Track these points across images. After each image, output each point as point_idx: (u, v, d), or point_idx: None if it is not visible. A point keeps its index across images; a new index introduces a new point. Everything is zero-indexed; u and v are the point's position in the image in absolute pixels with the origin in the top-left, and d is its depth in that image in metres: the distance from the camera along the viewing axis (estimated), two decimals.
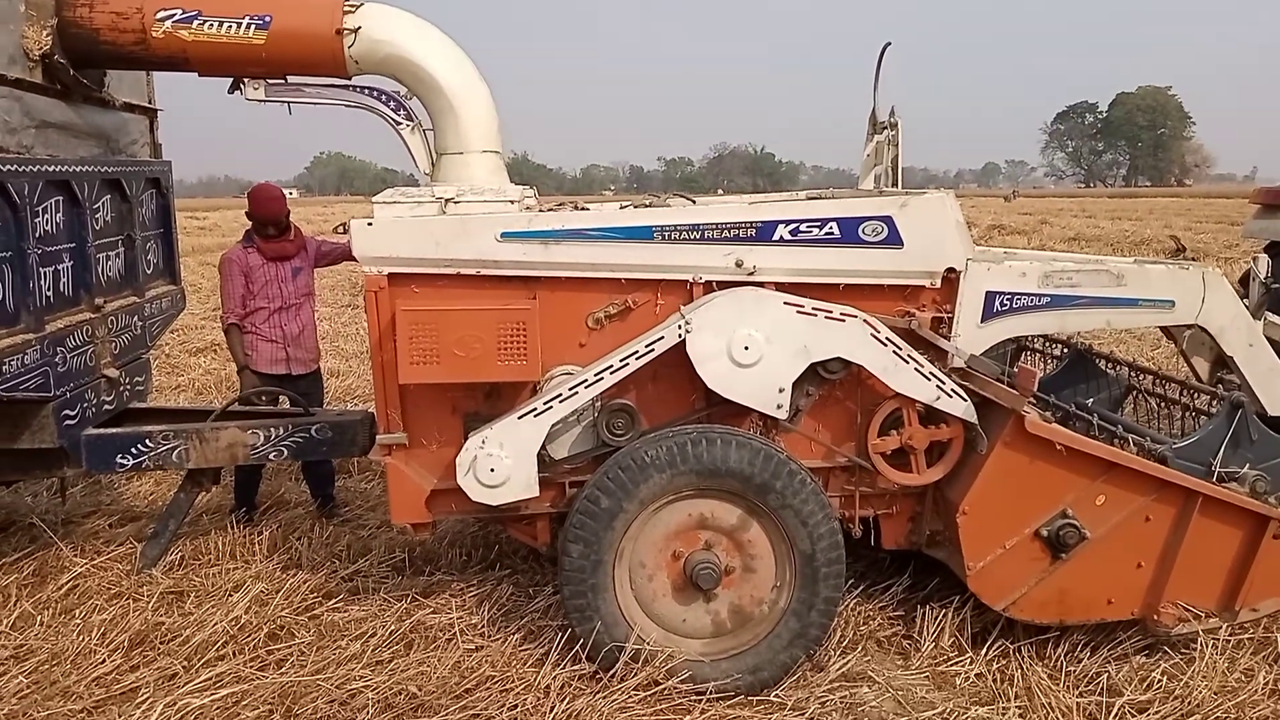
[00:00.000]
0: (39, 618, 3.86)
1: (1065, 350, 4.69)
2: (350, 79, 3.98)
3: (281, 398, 4.87)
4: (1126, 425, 3.73)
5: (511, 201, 3.65)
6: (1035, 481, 3.38)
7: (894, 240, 3.47)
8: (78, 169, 4.06)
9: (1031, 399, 3.37)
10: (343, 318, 11.44)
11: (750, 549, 3.40)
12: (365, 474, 5.77)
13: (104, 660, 3.55)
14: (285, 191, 5.32)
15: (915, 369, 3.40)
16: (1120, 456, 3.38)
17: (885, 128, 4.44)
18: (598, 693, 3.25)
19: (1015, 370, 3.44)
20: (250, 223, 4.90)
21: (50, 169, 3.86)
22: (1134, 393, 4.29)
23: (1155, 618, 3.49)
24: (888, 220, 3.46)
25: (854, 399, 3.60)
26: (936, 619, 3.75)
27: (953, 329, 3.53)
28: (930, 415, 3.51)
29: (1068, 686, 3.42)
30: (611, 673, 3.31)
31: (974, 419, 3.44)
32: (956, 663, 3.58)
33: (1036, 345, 4.89)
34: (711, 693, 3.30)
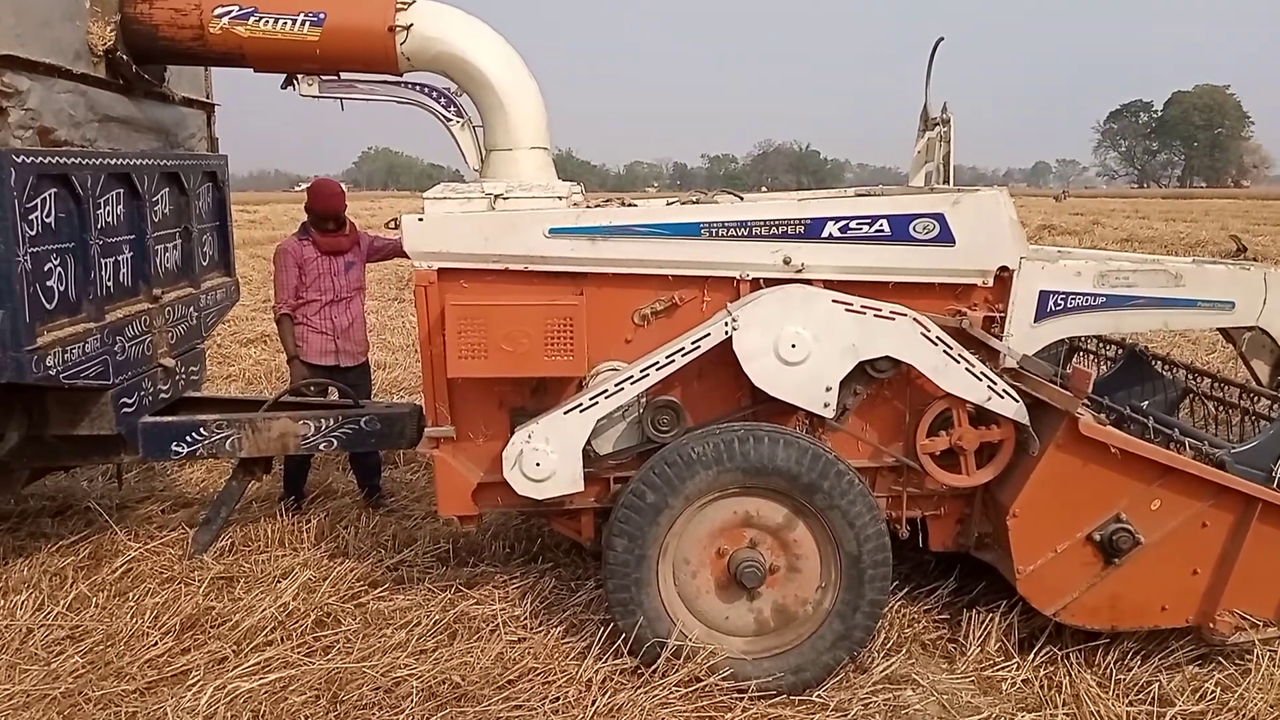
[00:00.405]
0: (94, 600, 3.96)
1: (1120, 351, 4.59)
2: (402, 75, 4.03)
3: (330, 389, 4.94)
4: (1183, 429, 3.64)
5: (559, 198, 3.66)
6: (1088, 485, 3.32)
7: (946, 238, 3.43)
8: (138, 162, 4.15)
9: (1086, 401, 3.31)
10: (389, 311, 11.58)
11: (795, 548, 3.38)
12: (410, 465, 5.84)
13: (156, 642, 3.64)
14: None
15: (966, 369, 3.35)
16: (1177, 461, 3.30)
17: (937, 124, 4.39)
18: (639, 687, 3.26)
19: (1069, 371, 3.38)
20: (308, 216, 4.96)
21: (112, 162, 3.95)
22: (1191, 396, 4.19)
23: (1210, 626, 3.41)
24: (939, 218, 3.42)
25: (903, 398, 3.57)
26: (983, 623, 3.69)
27: (1005, 328, 3.48)
28: (981, 416, 3.46)
29: (1117, 695, 3.35)
30: (653, 668, 3.31)
31: (1026, 420, 3.39)
32: (1003, 668, 3.52)
33: (1090, 346, 4.79)
34: (753, 691, 3.29)
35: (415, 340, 9.54)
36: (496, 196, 3.58)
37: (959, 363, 3.35)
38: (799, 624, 3.40)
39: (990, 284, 3.50)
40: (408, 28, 3.85)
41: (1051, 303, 3.49)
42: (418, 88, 4.06)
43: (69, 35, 3.69)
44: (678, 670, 3.28)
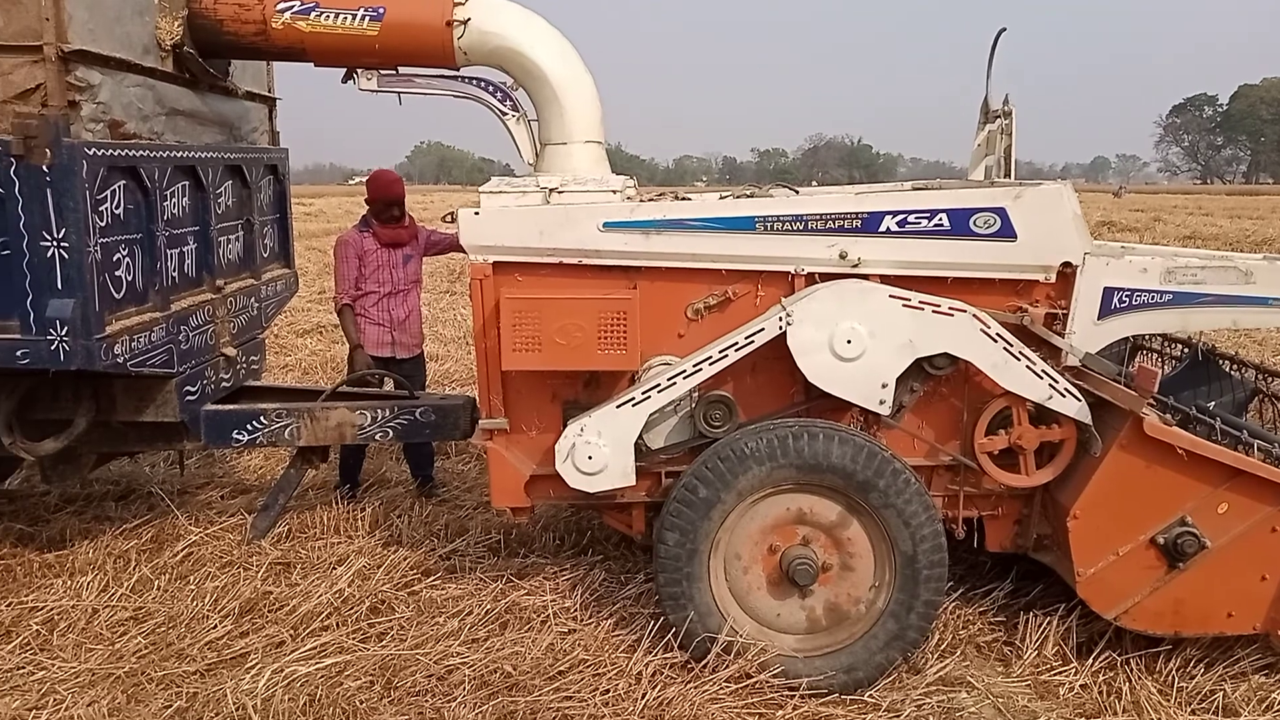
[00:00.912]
0: (156, 582, 4.06)
1: (1185, 350, 4.47)
2: (459, 70, 4.06)
3: (385, 380, 5.00)
4: (1252, 430, 3.53)
5: (614, 191, 3.66)
6: (1153, 487, 3.24)
7: (1007, 233, 3.36)
8: (203, 155, 4.24)
9: (1151, 400, 3.22)
10: (441, 303, 11.70)
11: (849, 547, 3.35)
12: (462, 456, 5.90)
13: (216, 625, 3.72)
14: None
15: (1027, 366, 3.28)
16: (1246, 463, 3.21)
17: (998, 116, 4.30)
18: (689, 682, 3.26)
19: (1133, 370, 3.30)
20: (369, 207, 5.00)
21: (178, 155, 4.04)
22: (1260, 396, 4.06)
23: (1279, 634, 3.30)
24: (1001, 212, 3.36)
25: (960, 396, 3.51)
26: (1040, 626, 3.62)
27: (1067, 326, 3.40)
28: (1041, 415, 3.39)
29: (1179, 703, 3.27)
30: (703, 663, 3.31)
31: (1088, 420, 3.31)
32: (1060, 672, 3.46)
33: (1154, 345, 4.67)
34: (804, 689, 3.27)
35: (466, 333, 9.64)
36: (551, 190, 3.59)
37: (1019, 360, 3.28)
38: (851, 623, 3.38)
39: (1053, 280, 3.43)
40: (465, 22, 3.87)
41: (1116, 300, 3.40)
42: (474, 82, 4.09)
43: (138, 30, 3.77)
44: (728, 666, 3.27)
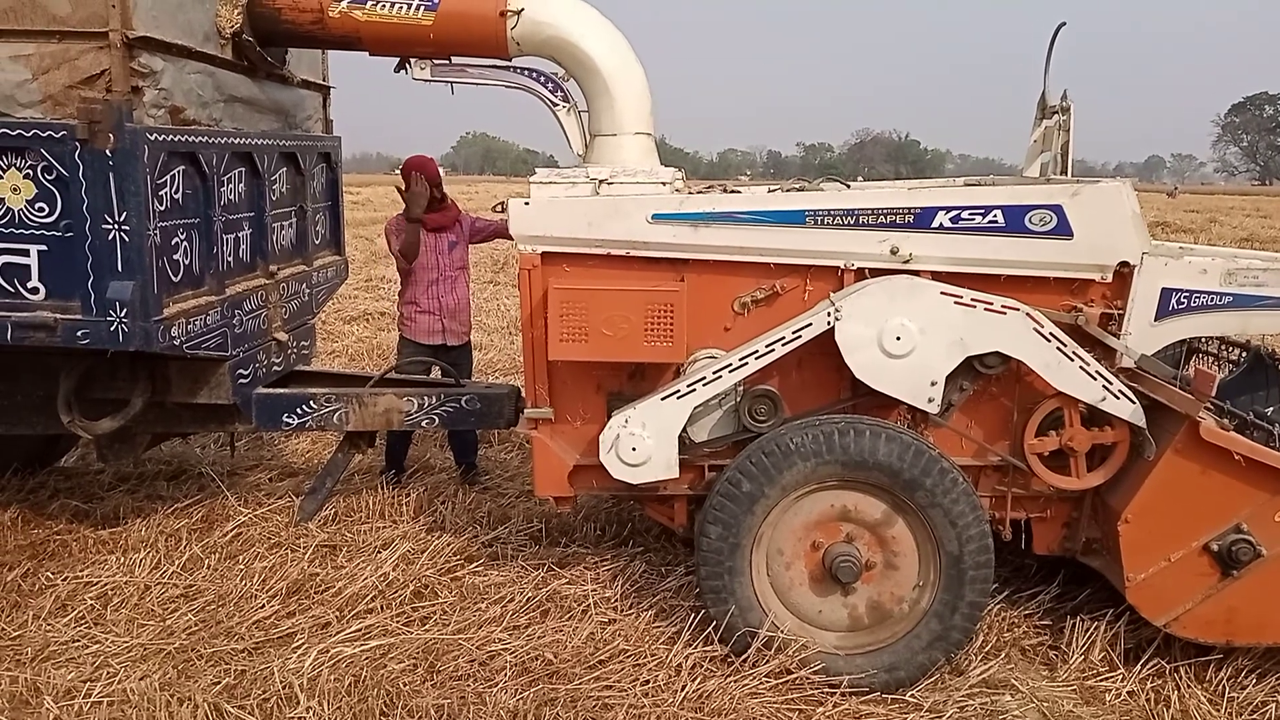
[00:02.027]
0: (206, 561, 4.14)
1: (1243, 354, 4.35)
2: (511, 60, 4.08)
3: (432, 367, 5.06)
4: None
5: (663, 184, 3.66)
6: (1207, 492, 3.17)
7: (1063, 230, 3.31)
8: (260, 142, 4.31)
9: (1208, 404, 3.15)
10: (485, 293, 11.78)
11: (893, 545, 3.32)
12: (505, 445, 5.94)
13: (264, 605, 3.78)
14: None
15: (1080, 367, 3.23)
16: None
17: (1055, 112, 4.23)
18: (729, 676, 3.26)
19: (1190, 373, 3.23)
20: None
21: (236, 141, 4.11)
22: None
23: None
24: (1057, 209, 3.30)
25: (1011, 395, 3.46)
26: (1087, 631, 3.56)
27: (1123, 326, 3.34)
28: (1094, 416, 3.33)
29: (1229, 714, 3.20)
30: (743, 657, 3.30)
31: (1142, 423, 3.25)
32: (1107, 678, 3.40)
33: (1210, 348, 4.56)
34: (845, 687, 3.25)
35: (510, 323, 9.70)
36: (601, 182, 3.60)
37: (1073, 361, 3.23)
38: (894, 622, 3.35)
39: (1109, 280, 3.36)
40: (519, 12, 3.89)
41: (1174, 301, 3.34)
42: (526, 72, 4.10)
43: (199, 17, 3.84)
44: (768, 661, 3.26)
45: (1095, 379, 3.23)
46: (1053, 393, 3.31)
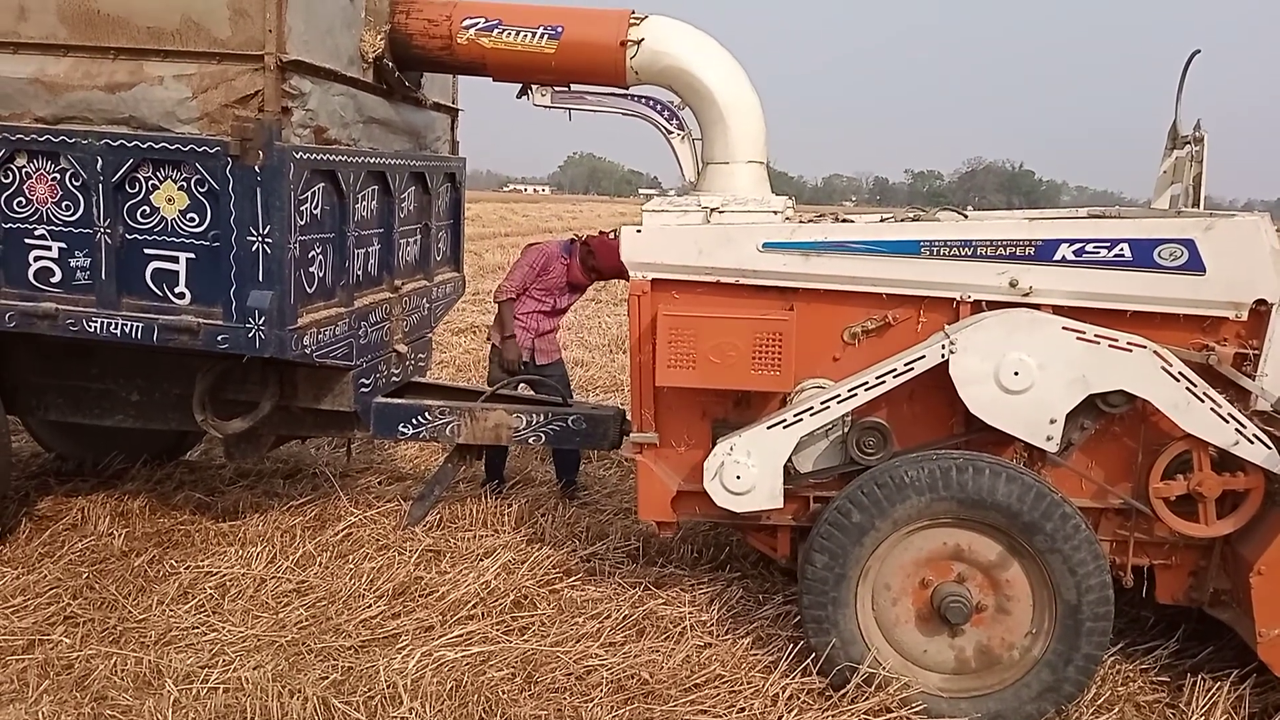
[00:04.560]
0: (318, 559, 4.29)
1: None
2: (628, 88, 4.16)
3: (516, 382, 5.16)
4: None
5: (774, 212, 3.67)
6: None
7: (1195, 266, 3.18)
8: (392, 162, 4.49)
9: None
10: (586, 310, 11.94)
11: (1007, 589, 3.22)
12: (603, 461, 5.99)
13: (371, 605, 3.90)
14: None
15: (1211, 409, 3.09)
16: None
17: (1187, 142, 4.06)
18: (826, 709, 3.21)
19: None
20: (591, 260, 5.02)
21: (372, 161, 4.29)
22: None
23: None
24: (1189, 244, 3.17)
25: (1135, 436, 3.33)
26: (1208, 690, 3.37)
27: (1259, 367, 3.18)
28: (1225, 461, 3.18)
29: None
30: (842, 692, 3.25)
31: (1278, 469, 3.08)
32: None
33: None
34: None
35: (611, 340, 9.81)
36: (712, 210, 3.63)
37: (1203, 402, 3.09)
38: (1003, 668, 3.24)
39: (1244, 318, 3.21)
40: (639, 42, 3.97)
41: None
42: (643, 100, 4.18)
43: (345, 42, 4.02)
44: (868, 698, 3.20)
45: (1228, 421, 3.09)
46: (1181, 434, 3.17)
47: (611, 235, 3.96)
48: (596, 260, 4.99)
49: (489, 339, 5.30)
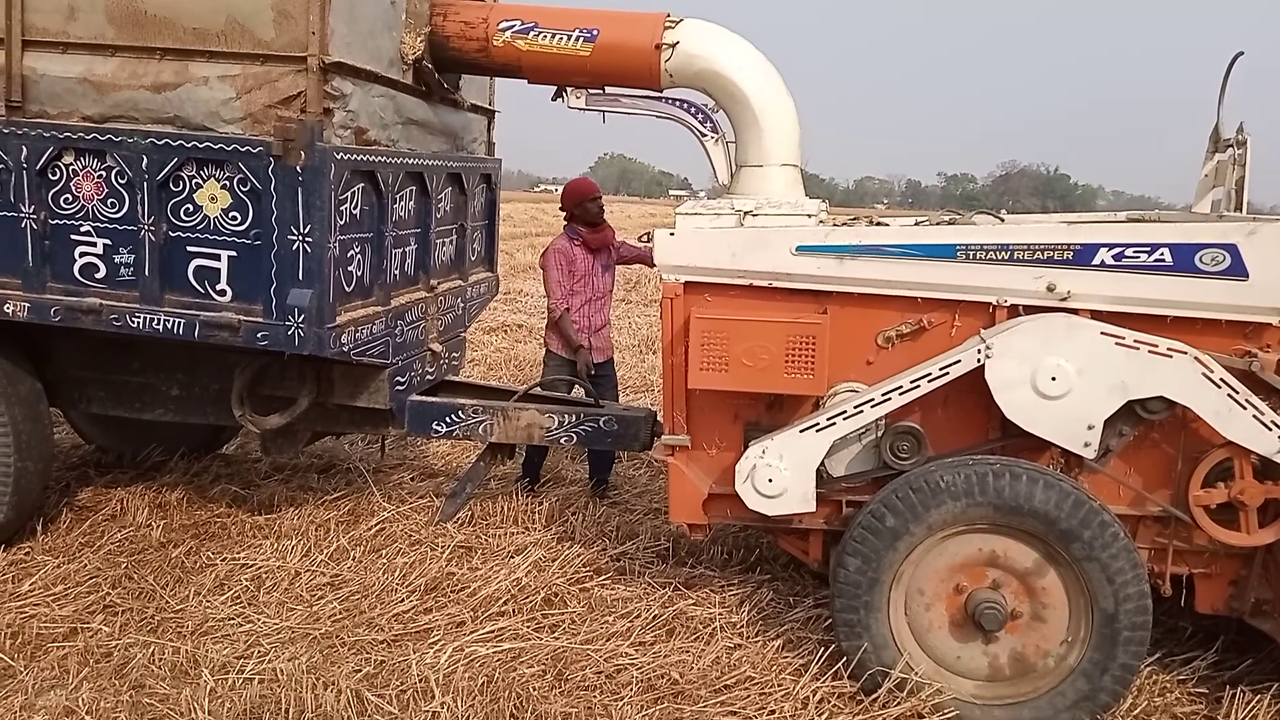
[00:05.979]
0: (352, 553, 4.34)
1: None
2: (662, 91, 4.17)
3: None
4: None
5: (808, 215, 3.66)
6: None
7: (1237, 271, 3.13)
8: (430, 163, 4.54)
9: None
10: (617, 310, 11.92)
11: (1042, 597, 3.19)
12: (633, 461, 6.00)
13: (403, 599, 3.94)
14: None
15: (1254, 416, 3.04)
16: None
17: (1230, 145, 4.00)
18: (857, 714, 3.20)
19: None
20: (577, 212, 5.07)
21: (410, 162, 4.34)
22: None
23: None
24: (1231, 249, 3.13)
25: (1175, 443, 3.28)
26: (1248, 703, 3.32)
27: None
28: (1267, 469, 3.12)
29: None
30: (873, 697, 3.23)
31: None
32: None
33: None
34: None
35: (641, 340, 9.82)
36: (746, 213, 3.63)
37: (1245, 409, 3.04)
38: (1037, 677, 3.21)
39: None
40: (674, 45, 3.98)
41: None
42: (677, 103, 4.19)
43: (386, 45, 4.07)
44: (900, 703, 3.18)
45: (1271, 429, 3.04)
46: (1222, 442, 3.12)
47: (644, 237, 3.97)
48: (574, 201, 5.01)
49: (545, 344, 5.32)
